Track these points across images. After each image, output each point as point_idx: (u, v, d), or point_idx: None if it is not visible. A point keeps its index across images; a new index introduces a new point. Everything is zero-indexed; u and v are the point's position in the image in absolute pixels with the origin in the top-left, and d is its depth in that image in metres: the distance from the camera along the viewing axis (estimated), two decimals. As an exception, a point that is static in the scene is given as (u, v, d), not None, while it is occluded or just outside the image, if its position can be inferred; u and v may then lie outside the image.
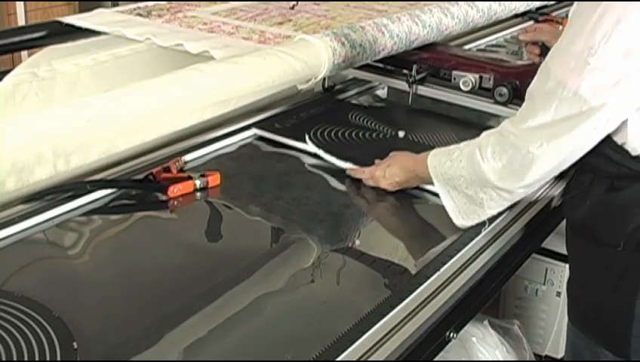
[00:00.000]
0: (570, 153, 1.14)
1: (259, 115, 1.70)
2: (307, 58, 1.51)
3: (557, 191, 1.45)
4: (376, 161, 1.43)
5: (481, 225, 1.28)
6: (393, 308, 1.03)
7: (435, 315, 1.08)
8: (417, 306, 1.06)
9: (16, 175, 1.11)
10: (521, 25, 2.51)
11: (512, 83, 1.72)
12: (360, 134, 1.64)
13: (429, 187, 1.35)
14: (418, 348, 1.03)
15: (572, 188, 1.30)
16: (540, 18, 2.54)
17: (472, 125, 1.71)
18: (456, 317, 1.12)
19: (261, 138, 1.62)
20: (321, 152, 1.52)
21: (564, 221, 1.34)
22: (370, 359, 0.96)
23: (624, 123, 1.12)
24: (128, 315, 1.02)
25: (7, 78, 1.55)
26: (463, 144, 1.26)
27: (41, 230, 1.22)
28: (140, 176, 1.37)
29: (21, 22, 3.79)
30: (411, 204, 1.41)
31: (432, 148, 1.34)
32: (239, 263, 1.18)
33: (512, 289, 1.87)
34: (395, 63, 1.88)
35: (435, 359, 1.10)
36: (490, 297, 1.26)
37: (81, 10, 2.96)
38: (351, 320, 1.00)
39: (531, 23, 2.51)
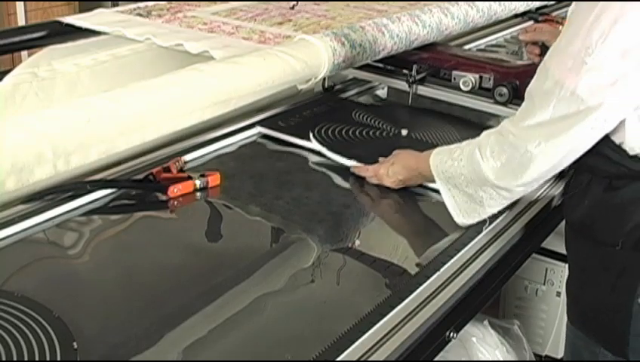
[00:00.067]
0: (568, 152, 1.14)
1: (259, 114, 1.70)
2: (307, 58, 1.51)
3: (557, 190, 1.45)
4: (380, 159, 1.44)
5: (482, 224, 1.28)
6: (393, 308, 1.03)
7: (435, 315, 1.08)
8: (417, 306, 1.07)
9: (16, 175, 1.11)
10: (521, 25, 2.51)
11: (512, 83, 1.72)
12: (363, 132, 1.64)
13: (431, 185, 1.35)
14: (418, 348, 1.03)
15: (571, 188, 1.31)
16: (540, 18, 2.54)
17: (474, 124, 1.72)
18: (456, 317, 1.12)
19: (264, 136, 1.63)
20: (325, 150, 1.53)
21: (564, 221, 1.34)
22: (370, 359, 0.96)
23: (622, 122, 1.12)
24: (128, 315, 1.02)
25: (7, 78, 1.55)
26: (464, 143, 1.27)
27: (41, 230, 1.22)
28: (140, 176, 1.37)
29: (21, 22, 3.79)
30: (412, 202, 1.41)
31: (434, 146, 1.34)
32: (239, 263, 1.18)
33: (512, 289, 1.87)
34: (395, 63, 1.88)
35: (435, 359, 1.10)
36: (490, 297, 1.26)
37: (81, 10, 2.96)
38: (351, 320, 1.00)
39: (531, 22, 2.51)
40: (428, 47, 1.90)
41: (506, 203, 1.26)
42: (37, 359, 0.90)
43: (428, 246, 1.25)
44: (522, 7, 2.40)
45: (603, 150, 1.15)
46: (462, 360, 1.50)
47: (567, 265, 1.36)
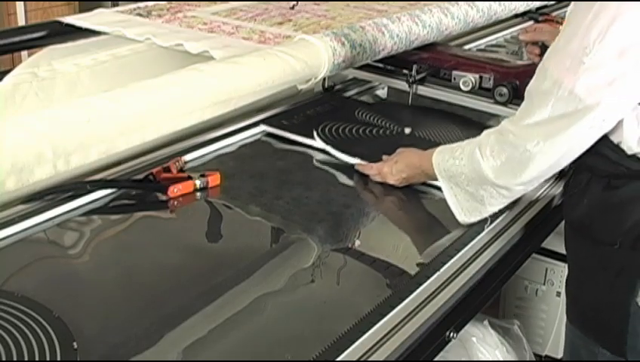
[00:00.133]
0: (567, 152, 1.15)
1: (259, 114, 1.71)
2: (307, 58, 1.51)
3: (557, 190, 1.45)
4: (384, 157, 1.45)
5: (483, 223, 1.28)
6: (393, 308, 1.03)
7: (435, 315, 1.08)
8: (417, 306, 1.07)
9: (16, 175, 1.11)
10: (521, 25, 2.51)
11: (512, 83, 1.72)
12: (367, 131, 1.65)
13: (435, 182, 1.35)
14: (418, 348, 1.03)
15: (570, 188, 1.32)
16: (540, 18, 2.54)
17: (477, 122, 1.72)
18: (456, 317, 1.12)
19: (268, 135, 1.64)
20: (329, 148, 1.54)
21: (564, 220, 1.34)
22: (370, 359, 0.96)
23: (620, 122, 1.13)
24: (128, 315, 1.02)
25: (7, 78, 1.55)
26: (465, 142, 1.28)
27: (41, 230, 1.22)
28: (140, 176, 1.37)
29: (21, 22, 3.79)
30: (413, 201, 1.41)
31: (437, 144, 1.35)
32: (239, 263, 1.19)
33: (512, 289, 1.87)
34: (395, 63, 1.88)
35: (435, 359, 1.10)
36: (490, 297, 1.26)
37: (81, 10, 2.96)
38: (351, 320, 1.00)
39: (531, 23, 2.51)
40: (428, 47, 1.90)
41: (507, 201, 1.26)
42: (37, 359, 0.90)
43: (428, 246, 1.25)
44: (522, 7, 2.41)
45: (602, 149, 1.16)
46: (462, 360, 1.50)
47: (567, 265, 1.36)
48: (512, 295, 1.88)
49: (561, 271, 1.77)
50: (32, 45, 1.76)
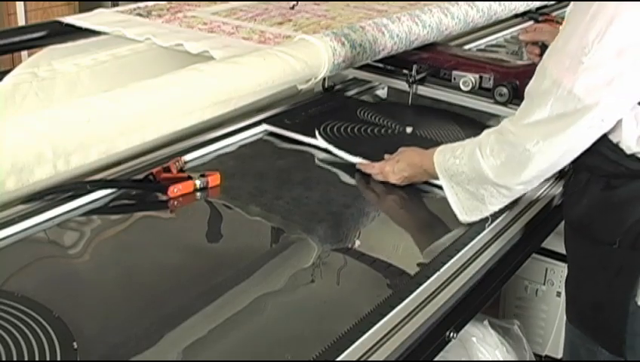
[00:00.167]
0: (566, 151, 1.15)
1: (259, 114, 1.71)
2: (307, 58, 1.51)
3: (557, 190, 1.45)
4: (386, 157, 1.45)
5: (484, 222, 1.28)
6: (393, 308, 1.03)
7: (435, 315, 1.08)
8: (417, 306, 1.07)
9: (16, 175, 1.11)
10: (521, 25, 2.51)
11: (512, 83, 1.72)
12: (368, 130, 1.66)
13: (436, 182, 1.36)
14: (418, 348, 1.03)
15: (570, 187, 1.32)
16: (540, 18, 2.54)
17: (478, 122, 1.72)
18: (456, 317, 1.12)
19: (270, 134, 1.64)
20: (331, 147, 1.54)
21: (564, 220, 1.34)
22: (370, 359, 0.96)
23: (619, 122, 1.13)
24: (128, 315, 1.02)
25: (7, 78, 1.55)
26: (466, 141, 1.28)
27: (41, 230, 1.22)
28: (140, 176, 1.37)
29: (21, 22, 3.79)
30: (414, 200, 1.42)
31: (439, 143, 1.35)
32: (239, 263, 1.18)
33: (512, 289, 1.87)
34: (395, 63, 1.88)
35: (435, 359, 1.10)
36: (490, 297, 1.26)
37: (81, 10, 2.96)
38: (351, 320, 1.00)
39: (531, 23, 2.51)
40: (428, 47, 1.90)
41: (507, 201, 1.26)
42: (37, 359, 0.90)
43: (428, 246, 1.25)
44: (522, 7, 2.41)
45: (601, 149, 1.16)
46: (462, 360, 1.50)
47: (567, 265, 1.36)
48: (512, 295, 1.88)
49: (561, 271, 1.77)
50: (32, 45, 1.76)
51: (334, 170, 1.50)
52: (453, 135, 1.64)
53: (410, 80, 1.82)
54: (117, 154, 1.34)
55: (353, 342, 0.96)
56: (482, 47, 2.33)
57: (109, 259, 1.18)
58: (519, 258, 1.35)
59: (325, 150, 1.56)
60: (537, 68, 1.17)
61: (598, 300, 1.25)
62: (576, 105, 1.10)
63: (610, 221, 1.20)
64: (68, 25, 1.74)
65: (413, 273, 1.14)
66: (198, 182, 1.35)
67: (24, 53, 2.27)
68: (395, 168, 1.41)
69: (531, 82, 1.17)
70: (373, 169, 1.44)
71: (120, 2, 3.57)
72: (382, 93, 2.01)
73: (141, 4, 1.93)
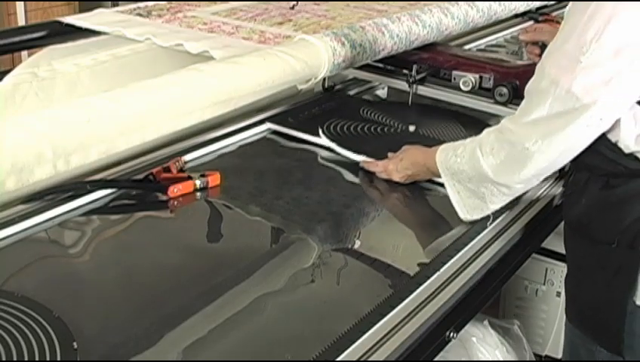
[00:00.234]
0: (565, 150, 1.16)
1: (259, 114, 1.71)
2: (307, 58, 1.51)
3: (557, 190, 1.45)
4: (389, 155, 1.46)
5: (484, 222, 1.29)
6: (393, 308, 1.03)
7: (435, 315, 1.08)
8: (417, 306, 1.07)
9: (16, 175, 1.11)
10: (521, 25, 2.51)
11: (512, 83, 1.72)
12: (372, 129, 1.66)
13: (439, 180, 1.36)
14: (418, 348, 1.03)
15: (569, 187, 1.33)
16: (540, 18, 2.54)
17: (481, 121, 1.72)
18: (456, 317, 1.12)
19: (273, 132, 1.65)
20: (334, 146, 1.55)
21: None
22: (370, 359, 0.96)
23: (617, 121, 1.14)
24: (128, 315, 1.02)
25: (7, 78, 1.55)
26: (468, 140, 1.29)
27: (41, 230, 1.22)
28: (140, 176, 1.37)
29: (21, 22, 3.79)
30: (415, 200, 1.42)
31: (442, 142, 1.36)
32: (239, 263, 1.18)
33: (512, 289, 1.87)
34: (395, 63, 1.88)
35: (435, 359, 1.10)
36: (490, 297, 1.26)
37: (81, 10, 2.96)
38: (351, 320, 1.00)
39: (531, 23, 2.51)
40: (428, 47, 1.90)
41: (508, 199, 1.27)
42: (37, 359, 0.90)
43: (428, 246, 1.25)
44: (522, 7, 2.41)
45: (599, 148, 1.16)
46: (462, 360, 1.50)
47: (566, 265, 1.36)
48: (512, 295, 1.88)
49: (561, 271, 1.77)
50: (32, 45, 1.76)
51: (336, 169, 1.50)
52: (456, 133, 1.65)
53: (410, 80, 1.82)
54: (117, 154, 1.34)
55: (353, 342, 0.96)
56: (482, 47, 2.33)
57: (109, 259, 1.18)
58: (519, 258, 1.35)
59: (328, 148, 1.56)
60: (537, 67, 1.17)
61: (596, 300, 1.25)
62: (575, 104, 1.10)
63: (608, 220, 1.20)
64: (68, 25, 1.74)
65: (413, 273, 1.14)
66: (198, 182, 1.35)
67: (24, 53, 2.27)
68: (398, 166, 1.42)
69: (531, 81, 1.18)
70: (377, 167, 1.45)
71: (120, 2, 3.57)
72: (382, 93, 2.01)
73: (141, 4, 1.93)
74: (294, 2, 2.02)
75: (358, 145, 1.54)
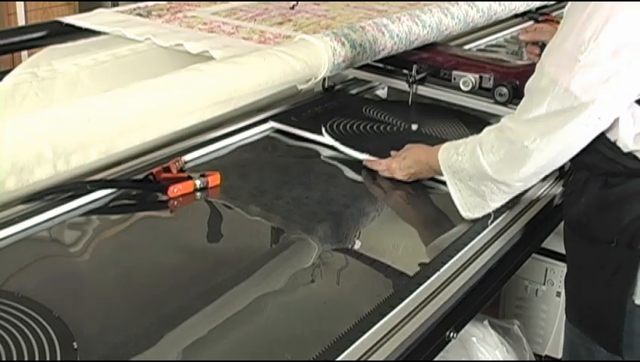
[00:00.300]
0: (563, 149, 1.16)
1: (259, 114, 1.71)
2: (307, 58, 1.51)
3: (557, 190, 1.45)
4: (392, 153, 1.47)
5: (484, 221, 1.29)
6: (393, 308, 1.03)
7: (435, 315, 1.08)
8: (417, 306, 1.07)
9: (16, 175, 1.11)
10: (521, 25, 2.51)
11: (512, 83, 1.72)
12: (374, 127, 1.67)
13: (442, 178, 1.36)
14: (418, 348, 1.03)
15: (569, 186, 1.33)
16: (540, 18, 2.54)
17: (483, 120, 1.72)
18: (456, 317, 1.12)
19: (276, 131, 1.66)
20: (337, 144, 1.55)
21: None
22: (370, 359, 0.96)
23: (616, 120, 1.14)
24: (128, 315, 1.02)
25: (7, 78, 1.55)
26: (470, 138, 1.30)
27: (41, 230, 1.22)
28: (140, 176, 1.37)
29: (21, 22, 3.79)
30: (417, 199, 1.42)
31: (444, 140, 1.36)
32: (239, 263, 1.18)
33: (512, 289, 1.87)
34: (395, 63, 1.88)
35: (435, 359, 1.10)
36: (490, 297, 1.26)
37: (81, 10, 2.96)
38: (351, 320, 1.00)
39: (531, 23, 2.51)
40: (428, 47, 1.90)
41: (508, 197, 1.27)
42: (37, 359, 0.90)
43: (428, 246, 1.26)
44: (522, 7, 2.40)
45: (599, 147, 1.17)
46: (462, 360, 1.50)
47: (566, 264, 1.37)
48: (512, 295, 1.88)
49: (561, 271, 1.76)
50: (32, 45, 1.76)
51: (338, 167, 1.50)
52: (459, 132, 1.66)
53: (410, 80, 1.82)
54: (117, 154, 1.34)
55: (353, 342, 0.96)
56: (482, 47, 2.33)
57: (109, 259, 1.18)
58: (519, 258, 1.35)
59: (331, 147, 1.57)
60: (537, 66, 1.18)
61: (596, 299, 1.25)
62: (573, 103, 1.11)
63: (607, 219, 1.20)
64: (68, 25, 1.74)
65: (413, 273, 1.14)
66: (198, 182, 1.35)
67: (24, 53, 2.27)
68: (401, 165, 1.43)
69: (531, 79, 1.19)
70: (380, 165, 1.46)
71: (120, 2, 3.57)
72: (382, 93, 2.01)
73: (141, 4, 1.93)
74: (294, 2, 2.02)
75: (361, 143, 1.55)
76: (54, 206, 1.25)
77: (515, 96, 1.70)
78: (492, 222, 1.29)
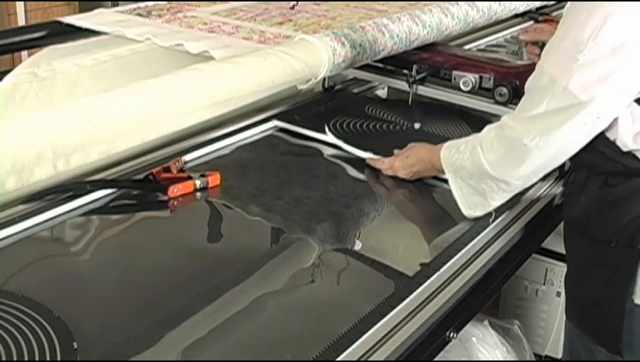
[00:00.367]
0: (562, 147, 1.17)
1: (259, 114, 1.71)
2: (307, 58, 1.51)
3: (557, 190, 1.45)
4: (395, 152, 1.47)
5: (485, 222, 1.29)
6: (393, 308, 1.03)
7: (435, 315, 1.08)
8: (417, 306, 1.07)
9: (16, 175, 1.11)
10: (521, 25, 2.51)
11: (512, 83, 1.72)
12: (377, 126, 1.68)
13: (445, 176, 1.36)
14: (418, 348, 1.03)
15: (569, 186, 1.33)
16: (540, 18, 2.54)
17: (485, 119, 1.72)
18: (456, 317, 1.12)
19: (279, 130, 1.66)
20: (340, 143, 1.56)
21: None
22: (370, 359, 0.96)
23: (615, 119, 1.15)
24: (128, 315, 1.02)
25: (7, 78, 1.55)
26: (471, 137, 1.30)
27: (41, 230, 1.22)
28: (140, 176, 1.37)
29: (21, 22, 3.79)
30: (417, 198, 1.43)
31: (447, 139, 1.37)
32: (239, 263, 1.18)
33: (512, 289, 1.87)
34: (395, 63, 1.88)
35: (435, 359, 1.10)
36: (490, 297, 1.26)
37: (81, 10, 2.96)
38: (351, 320, 1.00)
39: (531, 22, 2.51)
40: (428, 47, 1.90)
41: (508, 196, 1.28)
42: (37, 359, 0.90)
43: (428, 246, 1.25)
44: (522, 7, 2.40)
45: (598, 146, 1.17)
46: (462, 360, 1.50)
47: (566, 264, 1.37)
48: (512, 295, 1.88)
49: (561, 271, 1.76)
50: (32, 45, 1.76)
51: (340, 166, 1.51)
52: (462, 131, 1.66)
53: (410, 80, 1.82)
54: (117, 154, 1.34)
55: (353, 342, 0.96)
56: (482, 47, 2.33)
57: (109, 259, 1.18)
58: (519, 258, 1.35)
59: (334, 146, 1.57)
60: (537, 65, 1.18)
61: (595, 298, 1.25)
62: (572, 102, 1.11)
63: (607, 219, 1.20)
64: (68, 25, 1.75)
65: (413, 273, 1.14)
66: (198, 182, 1.35)
67: (24, 53, 2.27)
68: (404, 163, 1.43)
69: (530, 78, 1.19)
70: (383, 164, 1.47)
71: (120, 2, 3.57)
72: (382, 93, 2.01)
73: (141, 4, 1.93)
74: (294, 2, 2.02)
75: (364, 142, 1.56)
76: (54, 206, 1.25)
77: (515, 96, 1.70)
78: (492, 222, 1.29)
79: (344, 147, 1.56)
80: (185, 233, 1.27)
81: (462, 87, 1.79)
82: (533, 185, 1.36)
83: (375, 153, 1.50)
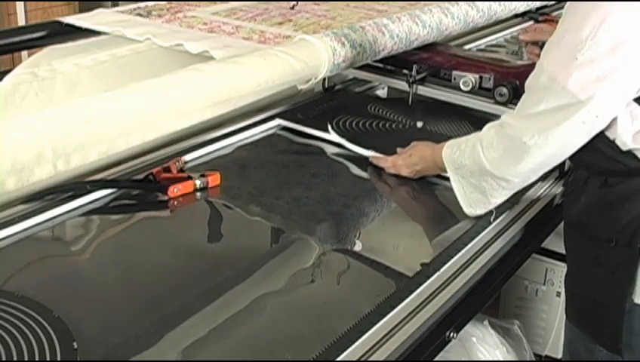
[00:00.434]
0: (561, 146, 1.17)
1: (259, 114, 1.71)
2: (307, 58, 1.51)
3: (558, 190, 1.45)
4: (398, 150, 1.48)
5: (485, 221, 1.29)
6: (393, 308, 1.03)
7: (435, 315, 1.08)
8: (417, 306, 1.07)
9: (16, 175, 1.11)
10: (521, 25, 2.51)
11: (512, 83, 1.72)
12: (379, 125, 1.69)
13: (447, 174, 1.36)
14: (418, 348, 1.03)
15: (569, 185, 1.33)
16: (540, 18, 2.54)
17: (487, 118, 1.72)
18: (456, 317, 1.12)
19: (282, 128, 1.67)
20: (344, 141, 1.57)
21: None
22: (370, 359, 0.96)
23: (614, 118, 1.15)
24: (128, 315, 1.02)
25: (7, 78, 1.55)
26: (472, 135, 1.30)
27: (41, 230, 1.22)
28: (140, 176, 1.37)
29: (21, 22, 3.79)
30: (418, 198, 1.43)
31: (449, 138, 1.37)
32: (239, 263, 1.18)
33: (512, 289, 1.87)
34: (395, 63, 1.88)
35: (435, 359, 1.10)
36: (490, 297, 1.27)
37: (81, 10, 2.96)
38: (351, 320, 1.00)
39: (531, 22, 2.51)
40: (428, 47, 1.90)
41: (508, 193, 1.28)
42: (37, 359, 0.90)
43: (428, 246, 1.25)
44: (522, 7, 2.40)
45: (598, 145, 1.18)
46: (462, 360, 1.50)
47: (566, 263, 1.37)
48: (512, 295, 1.88)
49: (561, 271, 1.76)
50: (32, 45, 1.76)
51: (343, 165, 1.51)
52: (464, 130, 1.67)
53: (410, 80, 1.82)
54: (117, 154, 1.34)
55: (353, 342, 0.96)
56: (482, 47, 2.33)
57: (109, 259, 1.18)
58: (519, 258, 1.35)
59: (337, 144, 1.58)
60: (537, 64, 1.19)
61: (595, 298, 1.25)
62: (571, 101, 1.11)
63: (607, 219, 1.21)
64: (68, 25, 1.74)
65: (413, 273, 1.14)
66: (198, 182, 1.35)
67: (24, 53, 2.27)
68: (407, 162, 1.44)
69: (530, 76, 1.20)
70: (386, 162, 1.47)
71: (120, 2, 3.57)
72: (382, 93, 2.01)
73: (141, 4, 1.93)
74: (294, 2, 2.02)
75: (367, 141, 1.56)
76: (54, 206, 1.25)
77: (515, 96, 1.70)
78: (492, 222, 1.29)
79: (347, 145, 1.56)
80: (185, 233, 1.27)
81: (462, 87, 1.79)
82: (533, 185, 1.36)
83: (378, 151, 1.51)
